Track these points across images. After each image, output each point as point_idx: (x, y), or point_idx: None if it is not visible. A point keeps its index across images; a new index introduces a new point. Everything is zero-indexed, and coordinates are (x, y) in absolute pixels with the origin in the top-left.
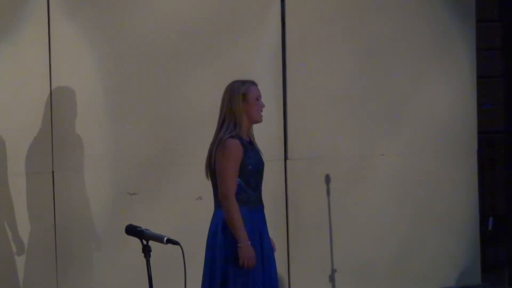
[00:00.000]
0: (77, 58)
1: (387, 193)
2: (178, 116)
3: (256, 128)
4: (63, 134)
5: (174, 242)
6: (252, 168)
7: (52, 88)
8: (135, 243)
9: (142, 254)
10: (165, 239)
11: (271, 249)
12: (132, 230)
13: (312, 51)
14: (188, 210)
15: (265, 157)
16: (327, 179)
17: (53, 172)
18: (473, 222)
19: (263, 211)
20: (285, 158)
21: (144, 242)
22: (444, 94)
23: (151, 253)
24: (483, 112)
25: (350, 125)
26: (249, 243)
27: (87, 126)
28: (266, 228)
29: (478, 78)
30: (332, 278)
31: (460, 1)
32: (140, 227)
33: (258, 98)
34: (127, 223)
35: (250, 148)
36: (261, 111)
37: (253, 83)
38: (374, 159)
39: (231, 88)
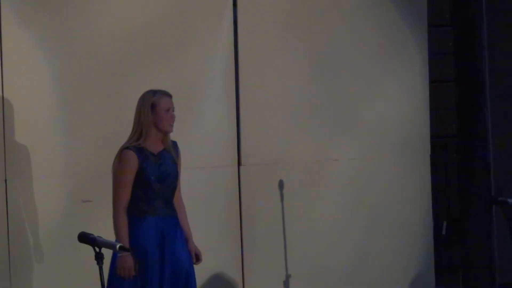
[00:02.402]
0: (29, 64)
1: (341, 198)
2: (131, 122)
3: (209, 134)
4: (15, 142)
5: (126, 249)
6: (152, 180)
7: (4, 95)
8: (88, 251)
9: (95, 262)
10: (117, 246)
11: (181, 251)
12: (84, 238)
13: (264, 56)
14: None
15: (218, 163)
16: (281, 184)
17: (6, 180)
18: (427, 226)
19: (174, 218)
20: (239, 164)
21: (97, 249)
22: (397, 98)
23: (104, 260)
24: (436, 116)
25: (304, 130)
26: (129, 253)
27: (39, 133)
28: (180, 234)
29: (430, 83)
30: (286, 284)
31: (412, 6)
32: (92, 234)
33: (168, 109)
34: (80, 230)
35: (153, 159)
36: (172, 122)
37: (165, 94)
38: (328, 164)
39: (142, 98)
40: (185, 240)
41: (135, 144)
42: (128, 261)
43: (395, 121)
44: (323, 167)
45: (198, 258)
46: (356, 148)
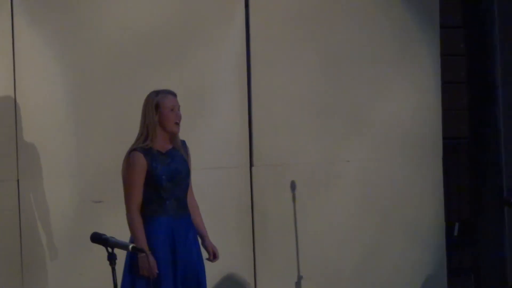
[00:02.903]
0: (41, 65)
1: (352, 200)
2: None
3: (221, 135)
4: (27, 142)
5: (139, 250)
6: (163, 179)
7: (16, 96)
8: (101, 251)
9: (108, 262)
10: (130, 246)
11: (191, 253)
12: (97, 238)
13: (276, 58)
14: None
15: (229, 164)
16: (293, 185)
17: (17, 180)
18: (438, 228)
19: (186, 219)
20: (251, 165)
21: (110, 250)
22: (408, 100)
23: (117, 261)
24: (447, 117)
25: (315, 131)
26: (149, 253)
27: (51, 133)
28: (192, 235)
29: (442, 84)
30: (298, 285)
31: (424, 7)
32: (105, 235)
33: (173, 108)
34: (93, 231)
35: (162, 158)
36: (177, 121)
37: (169, 93)
38: (340, 166)
39: (146, 99)
40: (198, 240)
41: (142, 145)
42: (150, 260)
43: (407, 122)
44: (334, 168)
45: (215, 256)
46: (368, 149)
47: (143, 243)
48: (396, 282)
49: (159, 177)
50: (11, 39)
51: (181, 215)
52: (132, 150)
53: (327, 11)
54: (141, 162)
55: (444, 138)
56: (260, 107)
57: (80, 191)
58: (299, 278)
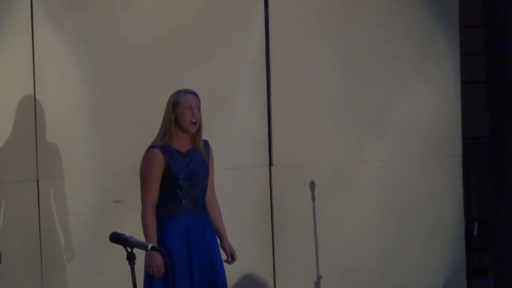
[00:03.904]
0: (61, 65)
1: (371, 199)
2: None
3: (240, 135)
4: (47, 142)
5: (158, 250)
6: (180, 178)
7: (36, 96)
8: (120, 251)
9: (127, 262)
10: (149, 246)
11: (209, 254)
12: (116, 238)
13: (296, 57)
14: None
15: (249, 164)
16: (312, 185)
17: (37, 180)
18: (458, 228)
19: (203, 219)
20: (270, 165)
21: (129, 249)
22: (428, 99)
23: (136, 261)
24: (467, 117)
25: (335, 131)
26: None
27: (71, 133)
28: (208, 236)
29: (462, 84)
30: (317, 284)
31: (444, 6)
32: (124, 234)
33: (190, 107)
34: (112, 230)
35: (180, 157)
36: (194, 120)
37: (188, 92)
38: (359, 165)
39: (169, 97)
40: (216, 241)
41: (161, 142)
42: (157, 259)
43: (427, 122)
44: (354, 168)
45: (232, 258)
46: (387, 149)
47: (153, 242)
48: (415, 282)
49: (176, 175)
50: (31, 39)
51: (198, 215)
52: (150, 147)
53: (347, 11)
54: (159, 159)
55: (463, 138)
56: (280, 107)
57: (100, 191)
58: (318, 277)
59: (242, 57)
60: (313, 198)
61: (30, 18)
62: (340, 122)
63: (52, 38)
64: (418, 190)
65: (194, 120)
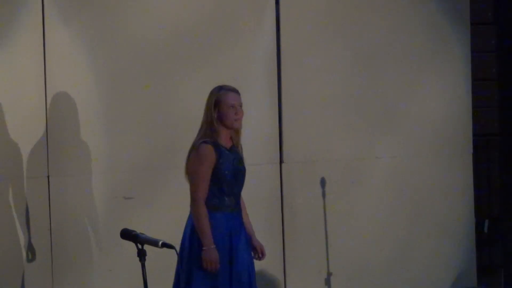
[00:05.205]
0: (72, 63)
1: (382, 196)
2: (173, 119)
3: (251, 132)
4: (58, 138)
5: (169, 246)
6: (227, 174)
7: (47, 93)
8: (131, 247)
9: (137, 258)
10: (160, 243)
11: (244, 252)
12: (127, 234)
13: (307, 55)
14: (183, 214)
15: (260, 160)
16: (323, 182)
17: (48, 177)
18: (468, 225)
19: (240, 217)
20: (281, 162)
21: (139, 246)
22: (439, 96)
23: (146, 257)
24: (478, 114)
25: (345, 128)
26: (214, 246)
27: (82, 130)
28: (243, 231)
29: (473, 81)
30: (328, 281)
31: (454, 3)
32: (135, 231)
33: (233, 105)
34: (123, 227)
35: (227, 154)
36: (237, 117)
37: (230, 89)
38: (369, 162)
39: (209, 94)
40: (249, 239)
41: (211, 139)
42: (213, 254)
43: (438, 119)
44: (364, 165)
45: (263, 254)
46: (398, 146)
47: (209, 236)
48: (426, 279)
49: (224, 172)
50: (42, 37)
51: (236, 212)
52: (202, 142)
53: (358, 8)
54: (212, 154)
55: (474, 135)
56: (290, 104)
57: (110, 188)
58: (329, 274)
59: (253, 54)
60: (323, 195)
61: (42, 16)
62: (350, 119)
63: (63, 35)
64: (428, 187)
65: (237, 118)
